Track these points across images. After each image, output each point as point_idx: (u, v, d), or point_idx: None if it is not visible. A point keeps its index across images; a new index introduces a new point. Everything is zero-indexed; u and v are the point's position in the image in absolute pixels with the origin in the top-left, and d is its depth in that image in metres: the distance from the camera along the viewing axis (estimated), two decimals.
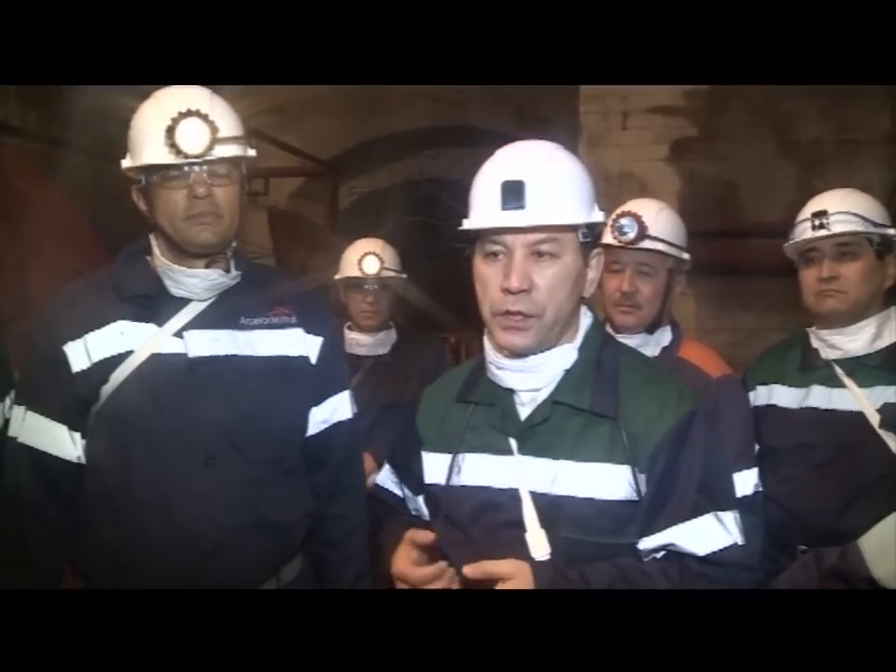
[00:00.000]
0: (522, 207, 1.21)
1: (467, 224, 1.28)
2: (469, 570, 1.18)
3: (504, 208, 1.22)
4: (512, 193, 1.21)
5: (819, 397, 1.86)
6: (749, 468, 1.83)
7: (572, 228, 1.24)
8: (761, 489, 1.84)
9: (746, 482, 1.79)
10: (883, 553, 1.31)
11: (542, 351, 1.28)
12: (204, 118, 1.44)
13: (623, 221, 1.89)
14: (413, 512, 1.46)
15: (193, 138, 1.43)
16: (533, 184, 1.22)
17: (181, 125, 1.43)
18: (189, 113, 1.44)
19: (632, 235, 1.89)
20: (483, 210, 1.25)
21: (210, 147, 1.44)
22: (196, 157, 1.44)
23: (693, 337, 2.12)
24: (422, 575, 1.23)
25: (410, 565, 1.25)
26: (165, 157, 1.45)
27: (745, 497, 1.73)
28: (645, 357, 1.51)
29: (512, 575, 1.17)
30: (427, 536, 1.26)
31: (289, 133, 5.43)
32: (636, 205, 1.96)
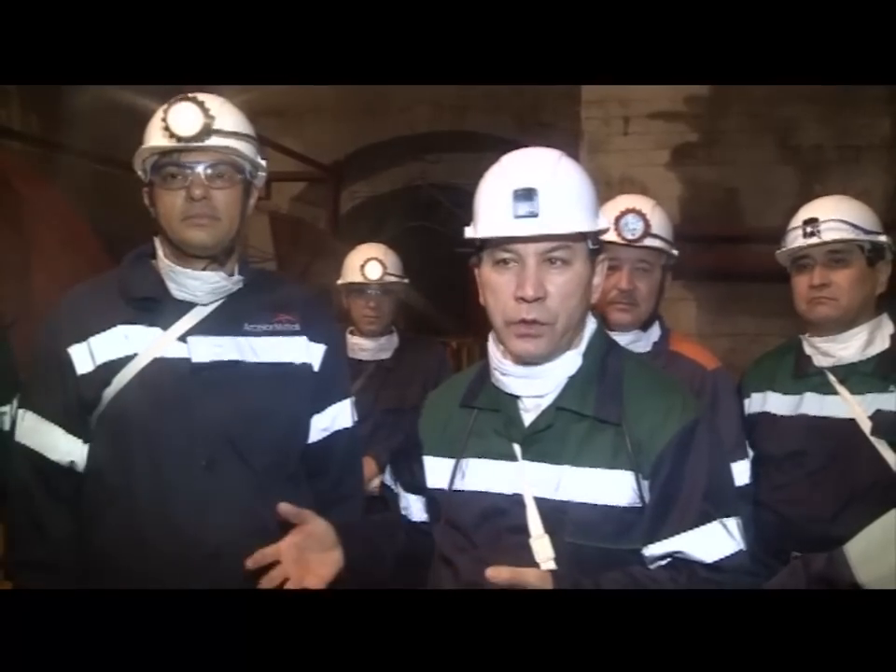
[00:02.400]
0: (535, 215, 1.20)
1: (478, 233, 1.27)
2: (493, 573, 1.14)
3: (517, 216, 1.21)
4: (525, 201, 1.20)
5: (811, 404, 1.87)
6: (744, 458, 1.87)
7: (582, 235, 1.24)
8: (750, 481, 1.86)
9: (742, 472, 1.82)
10: (868, 558, 1.31)
11: (550, 359, 1.28)
12: (199, 103, 1.46)
13: (630, 218, 1.89)
14: (403, 510, 1.45)
15: (185, 121, 1.45)
16: (545, 192, 1.21)
17: (174, 108, 1.46)
18: (185, 98, 1.47)
19: (638, 233, 1.89)
20: (494, 218, 1.24)
21: (204, 133, 1.46)
22: (188, 140, 1.45)
23: (678, 331, 2.14)
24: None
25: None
26: (160, 140, 1.47)
27: (741, 487, 1.76)
28: (649, 364, 1.51)
29: (537, 587, 1.14)
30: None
31: (291, 138, 5.45)
32: (632, 202, 1.96)
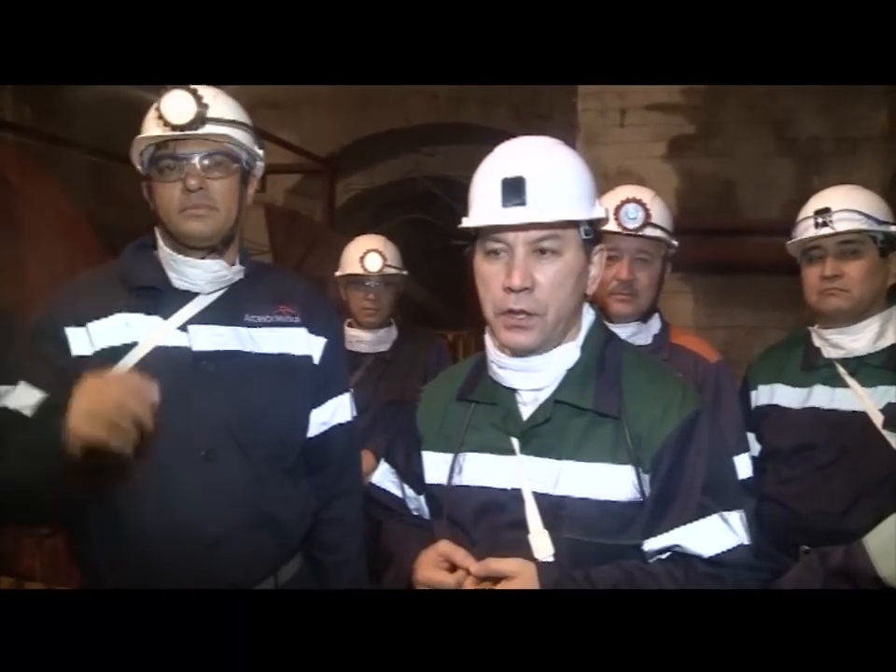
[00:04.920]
0: (523, 204, 1.19)
1: (467, 222, 1.26)
2: (475, 569, 1.18)
3: (505, 205, 1.20)
4: (513, 190, 1.20)
5: (821, 396, 1.85)
6: (745, 451, 1.87)
7: (574, 224, 1.23)
8: (752, 474, 1.87)
9: (743, 465, 1.83)
10: (888, 551, 1.30)
11: (545, 351, 1.26)
12: (192, 91, 1.46)
13: (630, 207, 1.88)
14: (415, 512, 1.45)
15: (179, 108, 1.44)
16: (534, 180, 1.20)
17: (167, 96, 1.45)
18: (178, 86, 1.46)
19: (639, 222, 1.89)
20: (484, 207, 1.24)
21: (198, 121, 1.45)
22: (182, 128, 1.44)
23: (677, 325, 2.14)
24: (456, 580, 1.20)
25: (443, 571, 1.22)
26: (154, 130, 1.47)
27: (742, 480, 1.76)
28: (648, 356, 1.50)
29: (517, 573, 1.16)
30: (465, 560, 1.21)
31: (287, 130, 5.43)
32: (633, 192, 1.96)
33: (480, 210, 1.24)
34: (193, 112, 1.45)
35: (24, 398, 1.47)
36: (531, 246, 1.21)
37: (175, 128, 1.45)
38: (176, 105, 1.45)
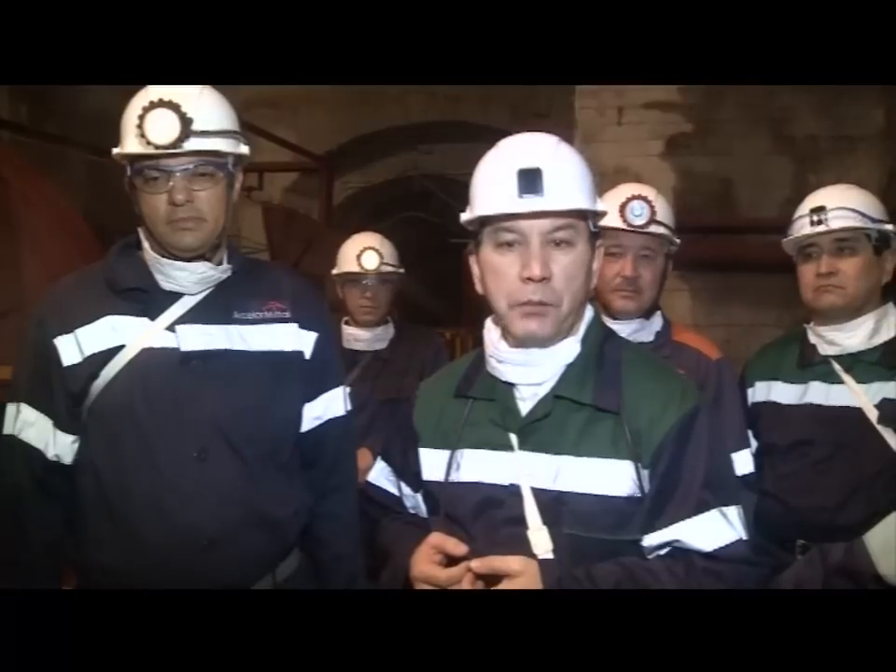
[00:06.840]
0: (540, 194, 1.20)
1: (483, 212, 1.25)
2: (476, 564, 1.17)
3: (521, 195, 1.21)
4: (530, 180, 1.20)
5: (817, 393, 1.86)
6: (746, 447, 1.89)
7: (584, 216, 1.24)
8: (754, 469, 1.88)
9: (745, 461, 1.85)
10: (889, 550, 1.31)
11: (552, 343, 1.27)
12: (175, 108, 1.41)
13: (636, 204, 1.90)
14: (411, 510, 1.45)
15: (162, 129, 1.41)
16: (549, 171, 1.21)
17: (150, 115, 1.41)
18: (161, 103, 1.42)
19: (644, 219, 1.90)
20: (499, 198, 1.23)
21: (182, 139, 1.41)
22: (165, 147, 1.41)
23: (678, 322, 2.15)
24: (448, 576, 1.20)
25: (435, 566, 1.22)
26: (136, 147, 1.44)
27: (745, 475, 1.80)
28: (647, 352, 1.50)
29: (520, 572, 1.15)
30: (458, 548, 1.22)
31: (284, 128, 5.43)
32: (637, 189, 1.97)
33: (494, 200, 1.24)
34: (177, 131, 1.41)
35: (25, 418, 1.52)
36: (546, 237, 1.22)
37: (157, 147, 1.41)
38: (160, 124, 1.41)
